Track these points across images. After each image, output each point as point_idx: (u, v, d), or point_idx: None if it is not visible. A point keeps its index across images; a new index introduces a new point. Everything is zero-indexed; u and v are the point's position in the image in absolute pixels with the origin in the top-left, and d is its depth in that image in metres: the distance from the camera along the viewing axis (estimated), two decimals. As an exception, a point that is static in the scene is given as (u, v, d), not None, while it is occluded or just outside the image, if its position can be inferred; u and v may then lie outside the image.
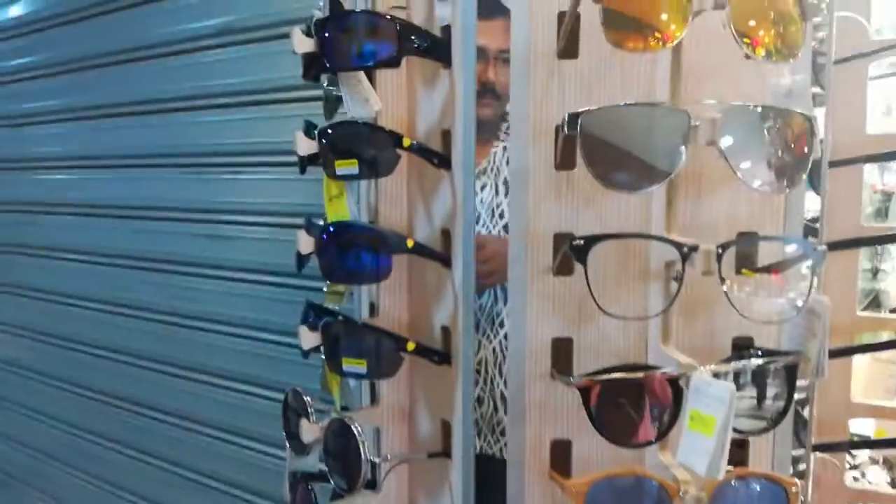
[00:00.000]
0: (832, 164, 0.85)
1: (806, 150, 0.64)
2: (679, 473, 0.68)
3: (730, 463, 0.76)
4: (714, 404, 0.60)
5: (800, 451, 0.85)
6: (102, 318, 2.21)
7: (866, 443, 0.89)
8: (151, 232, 2.04)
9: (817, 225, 0.81)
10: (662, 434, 0.65)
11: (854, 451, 1.29)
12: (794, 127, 0.64)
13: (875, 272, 1.76)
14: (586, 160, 0.63)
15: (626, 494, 0.67)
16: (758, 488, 0.67)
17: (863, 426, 0.97)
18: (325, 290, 1.15)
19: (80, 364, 2.28)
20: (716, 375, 0.63)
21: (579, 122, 0.63)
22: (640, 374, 0.64)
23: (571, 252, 0.65)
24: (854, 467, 1.24)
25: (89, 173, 2.21)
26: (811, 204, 0.85)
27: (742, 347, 0.75)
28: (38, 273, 2.43)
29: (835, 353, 0.83)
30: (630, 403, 0.66)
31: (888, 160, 0.86)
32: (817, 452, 0.86)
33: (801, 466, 0.85)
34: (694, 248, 0.63)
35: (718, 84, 0.73)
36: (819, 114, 0.80)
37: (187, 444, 1.98)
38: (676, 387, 0.65)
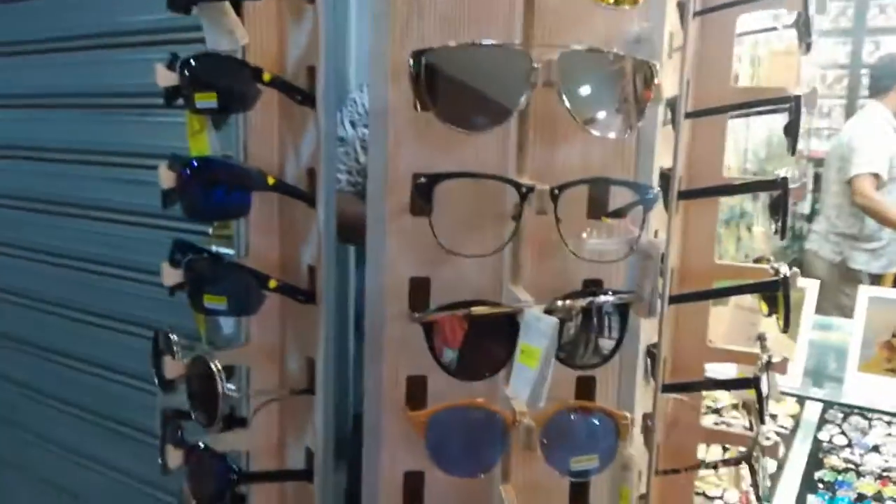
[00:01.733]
0: (696, 114, 0.87)
1: (643, 95, 0.66)
2: (517, 405, 0.71)
3: (577, 398, 0.80)
4: (539, 338, 0.62)
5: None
6: (7, 262, 2.15)
7: (711, 382, 0.93)
8: (60, 175, 1.98)
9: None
10: (498, 367, 0.68)
11: (715, 396, 1.37)
12: (632, 72, 0.66)
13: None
14: (429, 98, 0.64)
15: (465, 424, 0.70)
16: (588, 419, 0.70)
17: (726, 372, 1.01)
18: (210, 232, 1.15)
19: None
20: (549, 312, 0.65)
21: (422, 60, 0.64)
22: (476, 310, 0.66)
23: (415, 190, 0.66)
24: (715, 411, 1.31)
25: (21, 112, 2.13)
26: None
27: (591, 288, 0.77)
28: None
29: (678, 298, 0.87)
30: (469, 339, 0.68)
31: (749, 114, 0.89)
32: (669, 393, 0.90)
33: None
34: (531, 189, 0.65)
35: (574, 29, 0.74)
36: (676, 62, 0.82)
37: (92, 388, 1.96)
38: (513, 322, 0.67)
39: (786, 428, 1.61)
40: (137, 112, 1.76)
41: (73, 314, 1.99)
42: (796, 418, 1.64)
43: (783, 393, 1.51)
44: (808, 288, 1.49)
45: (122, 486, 1.94)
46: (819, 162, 3.65)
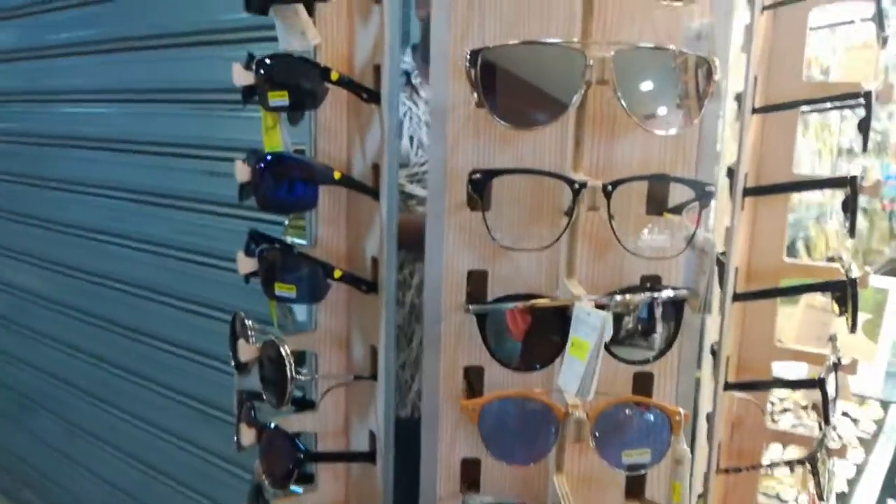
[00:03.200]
0: (764, 110, 0.86)
1: (702, 91, 0.66)
2: (569, 398, 0.72)
3: (634, 394, 0.80)
4: (588, 331, 0.63)
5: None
6: (104, 248, 2.29)
7: (775, 382, 0.91)
8: (156, 167, 2.09)
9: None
10: (549, 360, 0.69)
11: (783, 396, 1.32)
12: (690, 68, 0.66)
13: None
14: (483, 95, 0.66)
15: (517, 414, 0.72)
16: (641, 414, 0.71)
17: (797, 372, 0.99)
18: (285, 223, 1.20)
19: (82, 291, 2.38)
20: (601, 307, 0.66)
21: (479, 58, 0.65)
22: (529, 304, 0.68)
23: (470, 185, 0.68)
24: (785, 410, 1.27)
25: (98, 107, 2.26)
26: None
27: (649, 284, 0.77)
28: (47, 204, 2.51)
29: (742, 296, 0.86)
30: (521, 331, 0.69)
31: (821, 109, 0.87)
32: (732, 391, 0.89)
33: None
34: (583, 185, 0.66)
35: (634, 26, 0.74)
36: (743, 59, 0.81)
37: (184, 371, 2.07)
38: (565, 316, 0.68)
39: (868, 432, 1.56)
40: (227, 107, 1.85)
41: (161, 298, 2.10)
42: (880, 423, 1.58)
43: (863, 396, 1.45)
44: (893, 288, 1.42)
45: (203, 461, 2.05)
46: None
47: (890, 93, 0.80)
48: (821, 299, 1.02)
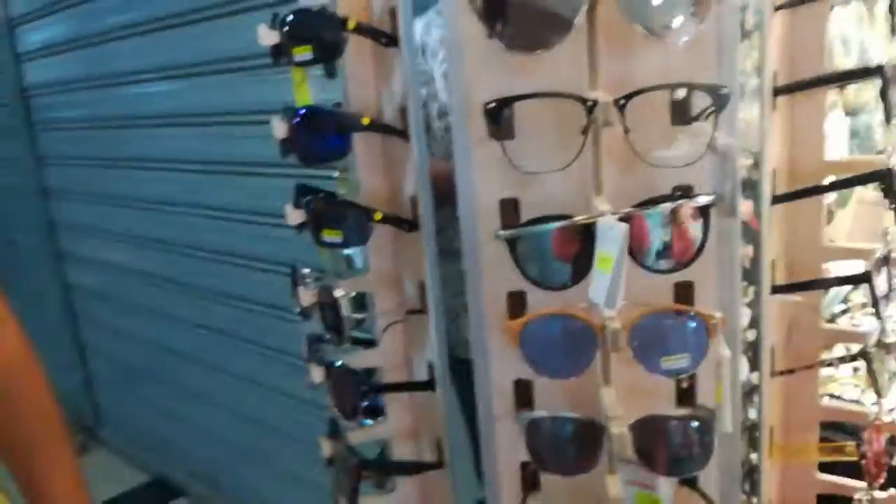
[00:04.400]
0: (791, 4, 0.83)
1: (706, -5, 0.65)
2: (606, 311, 0.75)
3: (676, 302, 0.82)
4: (611, 244, 0.65)
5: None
6: (186, 220, 2.42)
7: (821, 281, 0.90)
8: (220, 137, 2.18)
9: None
10: (580, 276, 0.71)
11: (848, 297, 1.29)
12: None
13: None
14: (490, 25, 0.67)
15: (556, 331, 0.75)
16: (676, 321, 0.72)
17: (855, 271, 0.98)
18: (335, 176, 1.24)
19: (170, 262, 2.53)
20: (625, 220, 0.68)
21: (480, -12, 0.67)
22: (554, 224, 0.70)
23: (486, 116, 0.70)
24: (845, 311, 1.24)
25: (165, 84, 2.36)
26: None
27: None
28: (125, 183, 2.66)
29: (781, 198, 0.85)
30: (551, 250, 0.72)
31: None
32: (781, 294, 0.89)
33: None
34: (595, 102, 0.67)
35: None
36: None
37: (263, 325, 2.19)
38: (590, 232, 0.70)
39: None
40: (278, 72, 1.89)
41: (241, 262, 2.22)
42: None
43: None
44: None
45: (290, 405, 2.17)
46: None
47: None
48: (871, 194, 0.99)
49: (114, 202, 2.77)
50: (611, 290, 0.65)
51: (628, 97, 0.66)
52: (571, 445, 0.78)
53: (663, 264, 0.71)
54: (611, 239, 0.66)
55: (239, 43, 1.98)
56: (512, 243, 0.73)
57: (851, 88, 1.58)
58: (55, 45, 2.80)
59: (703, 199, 0.69)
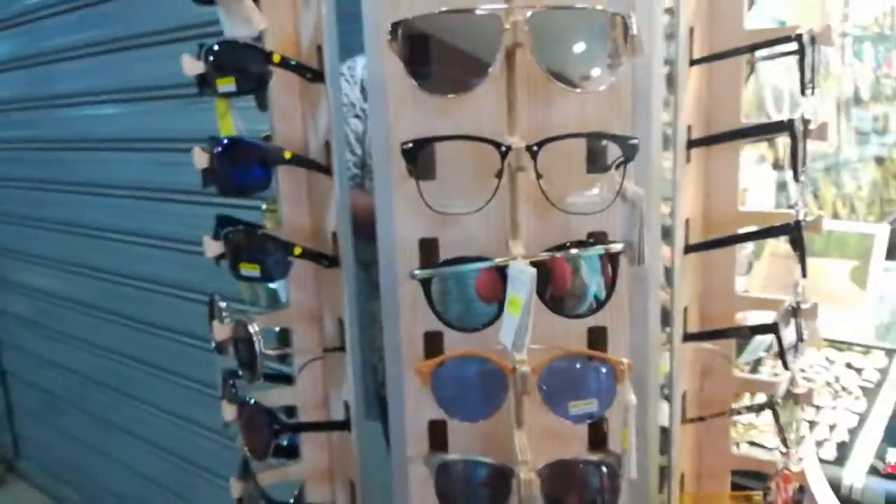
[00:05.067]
0: (702, 60, 0.86)
1: (616, 48, 0.67)
2: (518, 354, 0.75)
3: (589, 348, 0.82)
4: (520, 288, 0.65)
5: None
6: (121, 247, 2.36)
7: (731, 330, 0.92)
8: (156, 164, 2.15)
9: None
10: (491, 320, 0.71)
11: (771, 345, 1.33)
12: (605, 26, 0.67)
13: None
14: (407, 67, 0.68)
15: (468, 373, 0.74)
16: (585, 365, 0.73)
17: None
18: (263, 208, 1.23)
19: (99, 290, 2.46)
20: (535, 264, 0.68)
21: (399, 31, 0.67)
22: (465, 266, 0.70)
23: (404, 156, 0.70)
24: (758, 361, 1.28)
25: (105, 108, 2.32)
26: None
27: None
28: (60, 207, 2.59)
29: (694, 248, 0.87)
30: (466, 291, 0.72)
31: (765, 57, 0.87)
32: (692, 342, 0.91)
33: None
34: (509, 147, 0.68)
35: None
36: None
37: (195, 359, 2.13)
38: (504, 275, 0.70)
39: (871, 381, 1.55)
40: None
41: (172, 291, 2.17)
42: (884, 371, 1.57)
43: (851, 343, 1.45)
44: (878, 234, 1.41)
45: (215, 441, 2.12)
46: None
47: (829, 35, 0.81)
48: (784, 247, 1.03)
49: (47, 226, 2.69)
50: (518, 332, 0.65)
51: (540, 144, 0.68)
52: (481, 490, 0.77)
53: (572, 310, 0.72)
54: (521, 282, 0.66)
55: (171, 70, 1.96)
56: (426, 283, 0.72)
57: (780, 142, 1.65)
58: (-7, 64, 2.74)
59: (612, 247, 0.70)
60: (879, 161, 2.99)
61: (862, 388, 1.53)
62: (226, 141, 0.85)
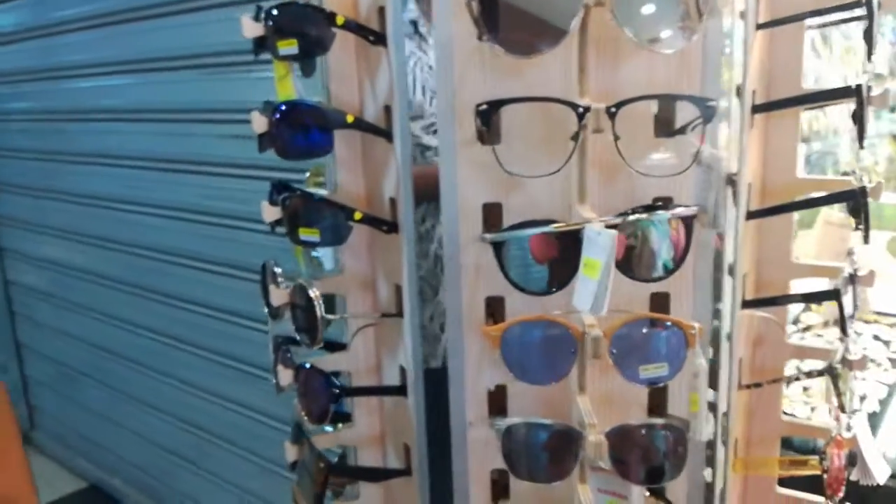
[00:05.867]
0: (767, 25, 0.85)
1: (697, 7, 0.66)
2: (587, 318, 0.75)
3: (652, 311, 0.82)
4: (598, 251, 0.65)
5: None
6: (133, 218, 2.35)
7: (790, 297, 0.93)
8: (175, 134, 2.13)
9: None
10: (564, 282, 0.71)
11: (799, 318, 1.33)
12: (687, -14, 0.66)
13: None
14: (484, 27, 0.67)
15: (537, 337, 0.74)
16: (656, 330, 0.73)
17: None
18: (305, 176, 1.22)
19: (113, 261, 2.45)
20: (611, 227, 0.68)
21: (477, -10, 0.67)
22: (541, 229, 0.70)
23: (478, 118, 0.70)
24: (807, 328, 1.28)
25: (115, 79, 2.30)
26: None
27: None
28: (73, 179, 2.57)
29: (755, 214, 0.87)
30: (535, 256, 0.72)
31: (826, 24, 0.86)
32: (749, 309, 0.91)
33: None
34: (587, 108, 0.67)
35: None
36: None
37: (209, 329, 2.13)
38: (577, 239, 0.70)
39: (905, 352, 1.56)
40: (239, 70, 1.86)
41: (187, 262, 2.16)
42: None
43: (888, 314, 1.46)
44: (914, 205, 1.41)
45: (242, 417, 2.12)
46: None
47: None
48: (838, 216, 1.03)
49: (58, 197, 2.68)
50: (598, 295, 0.65)
51: (619, 105, 0.67)
52: (547, 453, 0.77)
53: (647, 273, 0.72)
54: (599, 245, 0.66)
55: (193, 40, 1.95)
56: (497, 247, 0.72)
57: (806, 117, 1.63)
58: (1, 35, 2.71)
59: (687, 211, 0.70)
60: (895, 137, 2.98)
61: (891, 360, 1.54)
62: (287, 104, 0.85)
